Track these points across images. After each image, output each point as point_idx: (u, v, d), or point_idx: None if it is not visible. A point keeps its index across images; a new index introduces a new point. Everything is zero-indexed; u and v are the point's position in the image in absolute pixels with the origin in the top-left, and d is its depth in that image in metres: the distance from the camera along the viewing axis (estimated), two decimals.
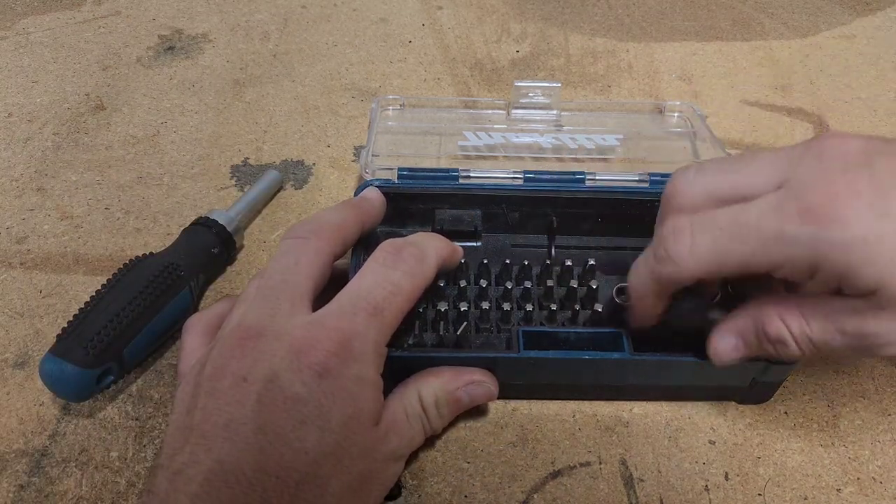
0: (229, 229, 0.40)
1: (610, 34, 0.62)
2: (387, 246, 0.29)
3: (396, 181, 0.39)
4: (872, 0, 0.68)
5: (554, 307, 0.35)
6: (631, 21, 0.64)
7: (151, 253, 0.37)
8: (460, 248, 0.33)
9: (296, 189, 0.47)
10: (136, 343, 0.33)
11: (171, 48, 0.59)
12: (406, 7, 0.65)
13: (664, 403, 0.35)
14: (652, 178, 0.40)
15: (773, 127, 0.53)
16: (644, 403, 0.35)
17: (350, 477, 0.25)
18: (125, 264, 0.36)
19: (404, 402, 0.29)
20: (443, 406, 0.30)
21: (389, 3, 0.66)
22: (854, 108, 0.55)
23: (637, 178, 0.41)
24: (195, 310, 0.37)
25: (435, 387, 0.30)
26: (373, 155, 0.42)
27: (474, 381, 0.31)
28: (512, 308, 0.35)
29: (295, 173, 0.48)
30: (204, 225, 0.40)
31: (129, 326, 0.33)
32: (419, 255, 0.29)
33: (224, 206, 0.45)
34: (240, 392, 0.24)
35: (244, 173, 0.48)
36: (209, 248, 0.39)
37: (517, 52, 0.60)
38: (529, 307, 0.36)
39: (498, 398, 0.35)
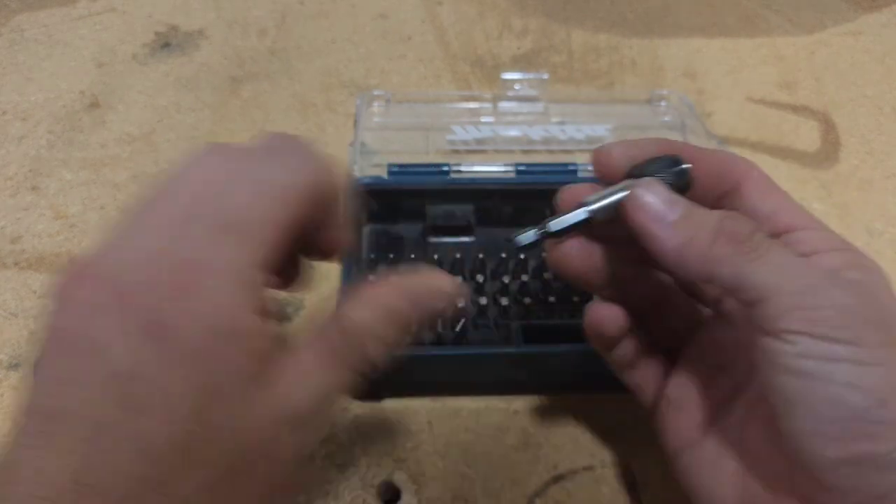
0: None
1: (613, 30, 0.62)
2: (260, 139, 0.21)
3: (387, 178, 0.39)
4: None
5: (552, 300, 0.35)
6: (634, 17, 0.64)
7: None
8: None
9: None
10: None
11: (166, 45, 0.58)
12: (406, 3, 0.64)
13: None
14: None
15: (778, 124, 0.52)
16: None
17: (217, 470, 0.17)
18: None
19: (316, 341, 0.20)
20: (380, 324, 0.21)
21: None
22: (860, 105, 0.54)
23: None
24: None
25: (365, 301, 0.21)
26: (361, 152, 0.41)
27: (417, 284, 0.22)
28: (510, 302, 0.35)
29: None
30: None
31: None
32: (305, 147, 0.21)
33: None
34: (64, 367, 0.17)
35: None
36: None
37: (518, 48, 0.59)
38: (527, 301, 0.35)
39: (499, 396, 0.34)
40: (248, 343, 0.18)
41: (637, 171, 0.23)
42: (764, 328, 0.20)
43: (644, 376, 0.27)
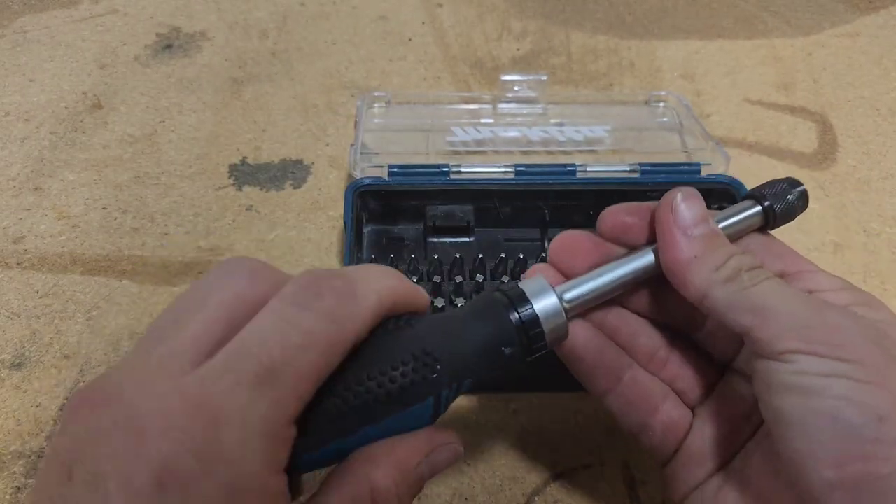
0: (546, 326, 0.23)
1: (611, 32, 0.62)
2: (301, 278, 0.20)
3: (387, 178, 0.39)
4: None
5: None
6: (633, 19, 0.64)
7: (410, 317, 0.23)
8: (423, 291, 0.23)
9: (295, 188, 0.47)
10: (319, 454, 0.21)
11: (168, 46, 0.59)
12: (406, 5, 0.64)
13: None
14: (643, 168, 0.40)
15: (775, 126, 0.53)
16: None
17: None
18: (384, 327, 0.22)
19: (345, 499, 0.20)
20: (403, 489, 0.21)
21: (389, 0, 0.65)
22: (857, 106, 0.55)
23: (628, 169, 0.41)
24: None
25: (390, 468, 0.20)
26: (361, 153, 0.41)
27: (438, 446, 0.22)
28: None
29: (294, 172, 0.48)
30: (505, 306, 0.23)
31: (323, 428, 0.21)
32: (347, 290, 0.20)
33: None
34: (60, 496, 0.16)
35: (242, 172, 0.47)
36: (497, 347, 0.23)
37: (518, 50, 0.60)
38: None
39: (499, 394, 0.35)
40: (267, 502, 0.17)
41: (756, 192, 0.25)
42: (761, 353, 0.20)
43: (663, 435, 0.26)
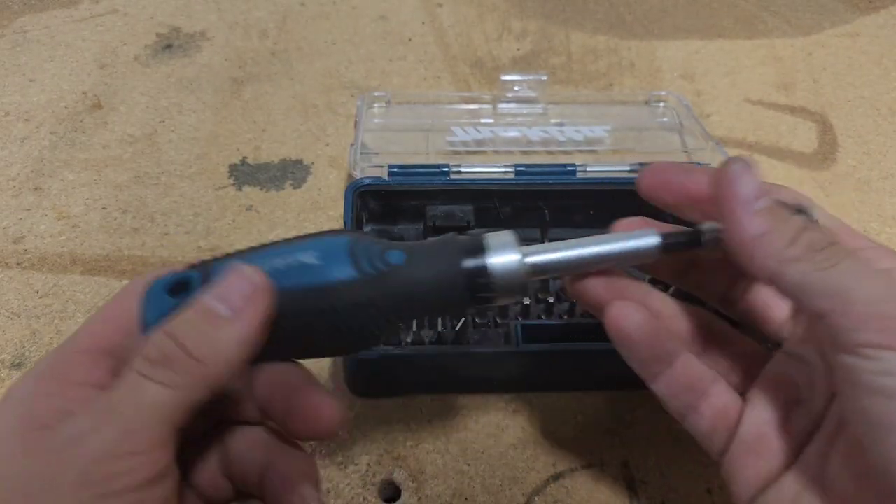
0: (496, 280, 0.22)
1: (612, 32, 0.62)
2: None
3: (387, 178, 0.39)
4: None
5: (551, 300, 0.35)
6: (633, 19, 0.64)
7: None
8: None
9: (294, 188, 0.47)
10: None
11: (168, 46, 0.59)
12: (406, 5, 0.64)
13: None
14: (643, 168, 0.40)
15: (775, 126, 0.53)
16: (646, 404, 0.34)
17: None
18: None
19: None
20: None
21: (389, 0, 0.65)
22: (857, 106, 0.55)
23: (628, 169, 0.41)
24: None
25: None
26: (361, 153, 0.41)
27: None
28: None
29: (293, 172, 0.48)
30: (462, 249, 0.23)
31: None
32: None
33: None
34: None
35: (242, 172, 0.47)
36: (452, 292, 0.22)
37: (518, 50, 0.60)
38: (527, 301, 0.36)
39: (499, 394, 0.35)
40: None
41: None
42: (839, 343, 0.19)
43: (713, 421, 0.24)
